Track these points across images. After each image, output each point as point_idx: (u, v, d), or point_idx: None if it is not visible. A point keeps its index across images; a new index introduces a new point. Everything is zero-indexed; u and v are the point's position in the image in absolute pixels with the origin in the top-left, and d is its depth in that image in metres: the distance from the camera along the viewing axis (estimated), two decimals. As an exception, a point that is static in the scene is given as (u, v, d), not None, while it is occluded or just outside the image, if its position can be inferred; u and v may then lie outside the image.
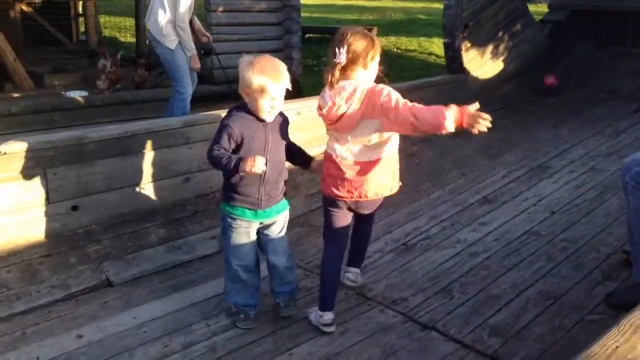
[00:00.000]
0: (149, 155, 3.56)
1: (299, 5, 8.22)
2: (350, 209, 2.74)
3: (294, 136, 4.49)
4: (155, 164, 3.60)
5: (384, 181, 2.64)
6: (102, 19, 12.84)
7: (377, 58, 2.58)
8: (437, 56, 9.96)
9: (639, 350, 1.51)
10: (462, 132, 4.41)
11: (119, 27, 13.52)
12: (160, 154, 3.61)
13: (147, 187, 3.56)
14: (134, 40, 11.43)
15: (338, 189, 2.63)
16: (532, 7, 8.25)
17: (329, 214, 2.75)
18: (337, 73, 2.51)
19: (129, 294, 2.98)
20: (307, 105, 4.47)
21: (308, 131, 4.37)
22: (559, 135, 5.28)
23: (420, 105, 2.41)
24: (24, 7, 9.41)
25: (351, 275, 3.04)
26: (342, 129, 2.57)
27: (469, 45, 5.85)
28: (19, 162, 3.11)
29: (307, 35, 11.25)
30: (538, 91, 6.27)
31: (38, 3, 9.95)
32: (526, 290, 2.97)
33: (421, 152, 4.89)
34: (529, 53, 6.59)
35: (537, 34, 6.80)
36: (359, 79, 2.53)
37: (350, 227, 2.82)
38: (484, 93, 5.89)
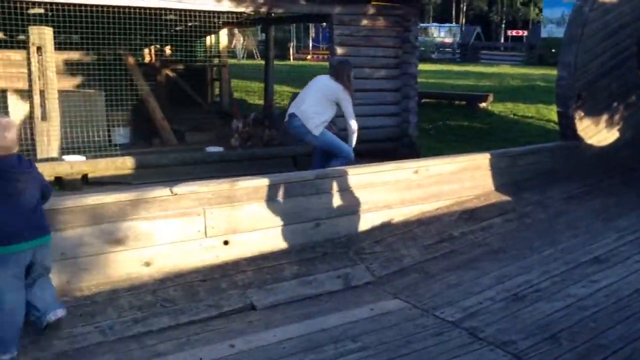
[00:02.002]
0: (286, 202, 4.13)
1: (415, 73, 8.72)
2: None
3: (413, 192, 4.90)
4: (290, 210, 4.16)
5: None
6: (233, 82, 14.15)
7: None
8: (555, 123, 9.94)
9: None
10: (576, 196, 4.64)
11: (247, 90, 14.82)
12: (295, 202, 4.17)
13: (283, 230, 4.11)
14: (260, 102, 12.52)
15: None
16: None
17: None
18: None
19: (268, 317, 3.49)
20: (424, 165, 4.88)
21: (425, 188, 4.78)
22: (676, 202, 5.28)
23: None
24: (169, 73, 10.72)
25: None
26: None
27: (582, 114, 6.05)
28: (185, 202, 3.77)
29: (423, 100, 11.73)
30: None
31: (181, 69, 11.27)
32: (634, 342, 3.11)
33: (534, 212, 5.10)
34: (646, 122, 6.63)
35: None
36: None
37: None
38: (599, 159, 6.03)
